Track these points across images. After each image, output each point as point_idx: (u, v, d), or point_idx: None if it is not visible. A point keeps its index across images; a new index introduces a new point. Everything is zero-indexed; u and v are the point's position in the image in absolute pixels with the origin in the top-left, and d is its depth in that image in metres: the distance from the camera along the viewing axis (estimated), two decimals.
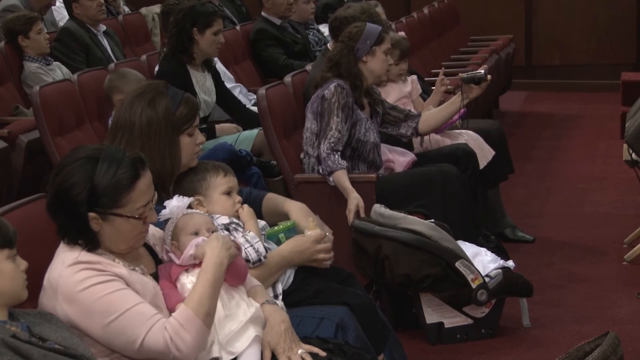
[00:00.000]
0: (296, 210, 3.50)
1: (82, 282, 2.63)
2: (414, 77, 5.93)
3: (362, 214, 4.50)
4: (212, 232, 2.94)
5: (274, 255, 3.26)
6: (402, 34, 6.08)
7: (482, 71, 4.91)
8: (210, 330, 2.71)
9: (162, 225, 3.00)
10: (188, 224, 2.92)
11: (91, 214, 2.67)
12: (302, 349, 2.84)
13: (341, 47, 4.86)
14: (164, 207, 2.99)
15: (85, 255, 2.68)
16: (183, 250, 2.88)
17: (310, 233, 3.36)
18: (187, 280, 2.81)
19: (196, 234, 2.91)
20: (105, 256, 2.72)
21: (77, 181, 2.66)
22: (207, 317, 2.68)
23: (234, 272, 2.84)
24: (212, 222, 3.01)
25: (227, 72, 6.47)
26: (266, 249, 3.26)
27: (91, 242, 2.70)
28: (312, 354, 2.83)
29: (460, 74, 5.08)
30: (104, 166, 2.67)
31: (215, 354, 2.76)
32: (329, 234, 3.43)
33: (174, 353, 2.62)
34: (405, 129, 5.06)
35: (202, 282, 2.72)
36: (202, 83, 5.58)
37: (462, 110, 5.07)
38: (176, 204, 2.95)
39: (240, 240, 3.13)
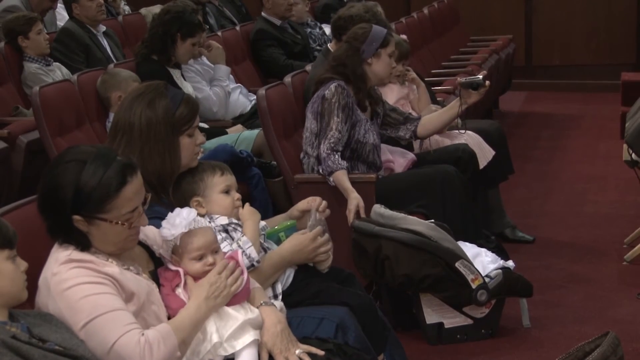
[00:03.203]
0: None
1: (71, 279, 2.62)
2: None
3: (362, 214, 4.50)
4: (216, 252, 2.90)
5: (273, 256, 3.26)
6: (403, 36, 6.07)
7: (480, 76, 4.90)
8: (182, 357, 2.70)
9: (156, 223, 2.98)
10: (192, 247, 2.85)
11: (76, 217, 2.65)
12: (300, 349, 2.83)
13: (346, 47, 4.86)
14: (164, 208, 2.98)
15: (78, 254, 2.67)
16: (184, 267, 2.85)
17: (308, 230, 3.36)
18: (181, 292, 2.83)
19: (200, 259, 2.86)
20: (98, 255, 2.70)
21: (63, 183, 2.64)
22: (182, 344, 2.69)
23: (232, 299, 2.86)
24: (216, 240, 2.95)
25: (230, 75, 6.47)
26: (265, 250, 3.26)
27: (81, 243, 2.69)
28: (310, 354, 2.83)
29: (458, 79, 5.06)
30: (91, 170, 2.64)
31: (215, 340, 2.75)
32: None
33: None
34: (404, 132, 5.05)
35: (186, 313, 2.74)
36: (181, 81, 5.67)
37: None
38: (182, 229, 2.84)
39: (234, 246, 3.12)
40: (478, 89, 4.90)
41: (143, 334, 2.62)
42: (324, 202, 3.49)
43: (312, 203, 3.47)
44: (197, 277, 2.85)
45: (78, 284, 2.62)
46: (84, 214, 2.65)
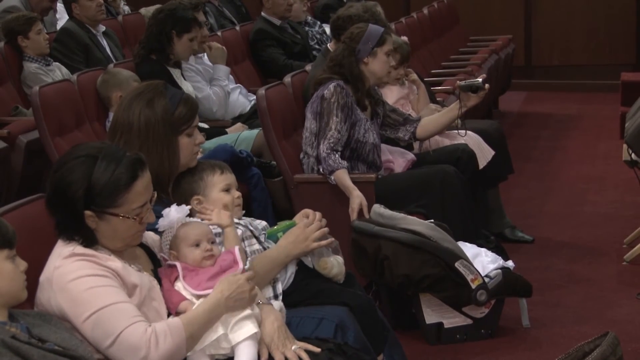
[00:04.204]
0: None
1: (74, 271, 2.65)
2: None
3: (365, 213, 4.49)
4: (212, 242, 2.94)
5: (271, 251, 3.25)
6: (404, 38, 6.07)
7: (480, 80, 4.90)
8: (186, 353, 2.73)
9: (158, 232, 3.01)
10: (189, 234, 2.92)
11: (87, 212, 2.69)
12: (296, 345, 2.85)
13: (343, 47, 4.87)
14: (163, 208, 2.99)
15: (81, 249, 2.70)
16: (183, 259, 2.89)
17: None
18: (180, 286, 2.85)
19: (197, 245, 2.90)
20: (101, 251, 2.73)
21: (75, 179, 2.67)
22: (190, 339, 2.71)
23: None
24: (212, 231, 3.01)
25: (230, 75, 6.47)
26: (265, 249, 3.26)
27: (88, 239, 2.71)
28: (311, 354, 2.84)
29: (457, 81, 5.06)
30: (103, 165, 2.68)
31: (221, 331, 2.77)
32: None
33: (148, 351, 2.62)
34: (403, 133, 5.05)
35: (201, 309, 2.76)
36: (181, 80, 5.66)
37: None
38: (176, 215, 2.94)
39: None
40: (477, 92, 4.89)
41: (150, 325, 2.65)
42: (318, 214, 3.45)
43: (306, 220, 3.43)
44: (195, 267, 2.87)
45: (81, 276, 2.64)
46: (95, 209, 2.68)
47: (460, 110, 4.93)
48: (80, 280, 2.64)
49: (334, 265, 3.37)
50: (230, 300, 2.78)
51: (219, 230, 3.15)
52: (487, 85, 4.90)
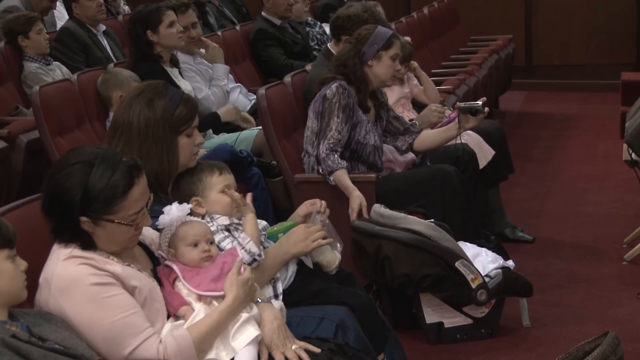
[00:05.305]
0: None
1: (79, 277, 2.63)
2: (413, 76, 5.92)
3: (365, 213, 4.49)
4: (211, 243, 2.95)
5: (271, 249, 3.26)
6: (407, 38, 6.05)
7: (480, 103, 4.89)
8: None
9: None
10: (188, 234, 2.91)
11: (83, 218, 2.67)
12: (296, 345, 2.85)
13: (349, 48, 4.86)
14: (162, 209, 2.98)
15: (79, 252, 2.69)
16: (180, 259, 2.88)
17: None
18: (180, 285, 2.84)
19: (195, 245, 2.90)
20: (100, 253, 2.72)
21: (71, 186, 2.65)
22: (201, 353, 2.72)
23: None
24: (211, 231, 3.01)
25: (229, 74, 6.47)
26: (264, 249, 3.26)
27: (85, 243, 2.70)
28: (311, 354, 2.83)
29: (457, 103, 5.08)
30: (99, 172, 2.66)
31: (211, 355, 2.76)
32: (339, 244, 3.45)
33: None
34: (401, 143, 5.03)
35: (214, 321, 2.76)
36: (179, 79, 5.63)
37: (456, 112, 5.06)
38: (177, 213, 2.93)
39: (234, 243, 3.13)
40: (477, 115, 4.88)
41: (161, 341, 2.66)
42: (324, 203, 3.49)
43: (312, 207, 3.46)
44: (192, 267, 2.86)
45: (88, 284, 2.63)
46: (91, 215, 2.67)
47: (458, 131, 4.93)
48: (87, 288, 2.63)
49: (327, 249, 3.38)
50: (244, 302, 2.81)
51: (222, 227, 3.16)
52: (486, 109, 4.88)
